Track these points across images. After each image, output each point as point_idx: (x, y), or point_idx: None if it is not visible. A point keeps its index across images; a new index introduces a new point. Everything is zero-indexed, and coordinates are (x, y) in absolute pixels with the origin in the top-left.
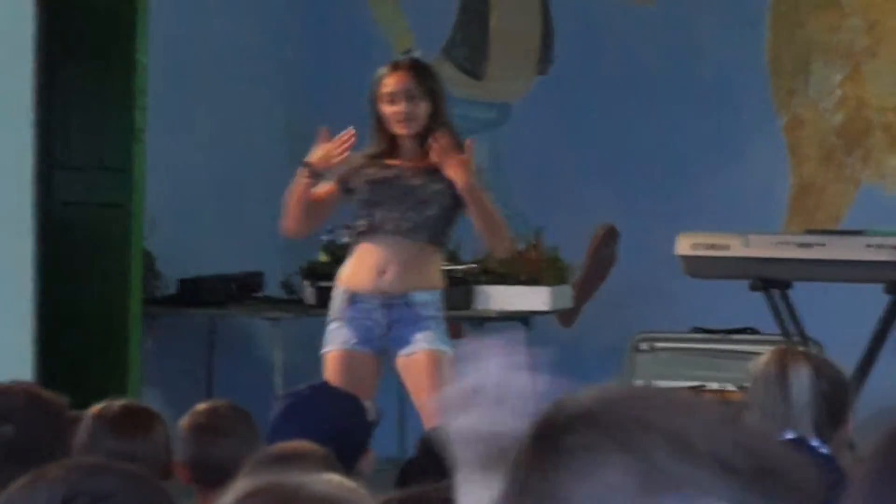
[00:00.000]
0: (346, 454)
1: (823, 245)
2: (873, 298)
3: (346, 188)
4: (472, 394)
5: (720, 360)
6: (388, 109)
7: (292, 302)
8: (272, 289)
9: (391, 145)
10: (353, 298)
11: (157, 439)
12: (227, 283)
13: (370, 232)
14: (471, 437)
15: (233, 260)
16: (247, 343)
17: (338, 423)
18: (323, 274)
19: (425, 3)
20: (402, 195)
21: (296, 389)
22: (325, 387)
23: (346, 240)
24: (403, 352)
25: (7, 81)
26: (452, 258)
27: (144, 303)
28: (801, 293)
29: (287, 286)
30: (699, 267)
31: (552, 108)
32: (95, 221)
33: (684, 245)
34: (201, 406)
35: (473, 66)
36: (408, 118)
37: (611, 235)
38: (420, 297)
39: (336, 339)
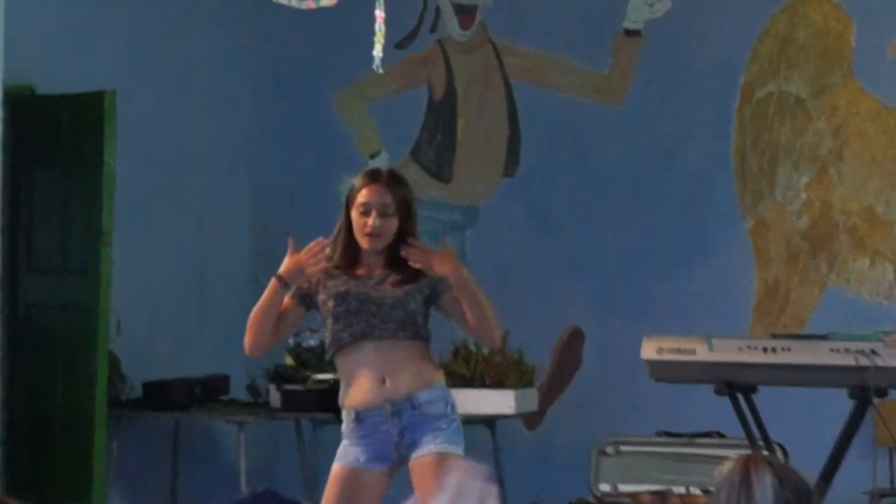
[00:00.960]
0: None
1: (788, 350)
2: (838, 402)
3: (306, 302)
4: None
5: (686, 463)
6: (357, 219)
7: (258, 405)
8: (238, 392)
9: (354, 254)
10: (359, 417)
11: None
12: (192, 386)
13: (357, 341)
14: None
15: (198, 363)
16: (212, 446)
17: None
18: (289, 377)
19: (394, 105)
20: (378, 301)
21: (241, 496)
22: (268, 493)
23: (311, 343)
24: (413, 455)
25: None
26: None
27: (109, 405)
28: (767, 397)
29: (253, 389)
30: (665, 371)
31: (519, 210)
32: (61, 324)
33: (650, 349)
34: None
35: (440, 169)
36: (375, 233)
37: (576, 338)
38: (425, 395)
39: (344, 456)
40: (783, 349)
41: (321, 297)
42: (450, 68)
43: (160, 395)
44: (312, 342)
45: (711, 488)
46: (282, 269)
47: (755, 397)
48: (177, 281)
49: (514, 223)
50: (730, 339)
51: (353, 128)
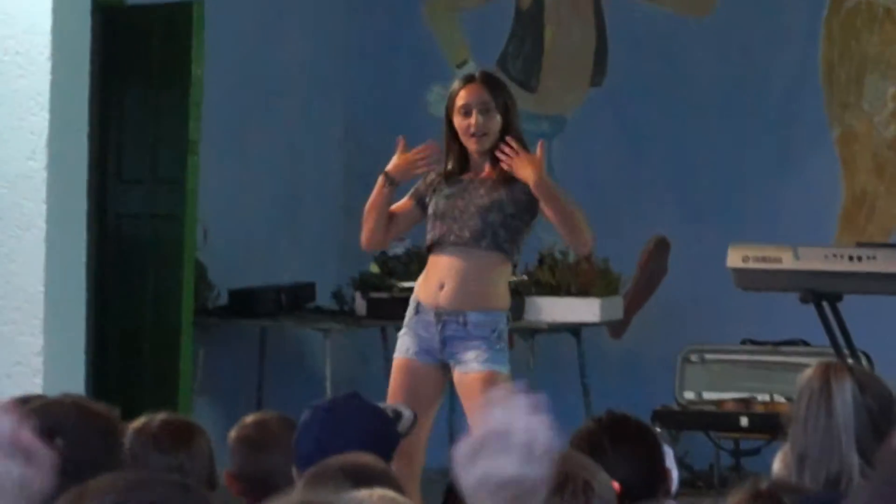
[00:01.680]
0: None
1: (874, 258)
2: None
3: (422, 204)
4: (490, 440)
5: (770, 371)
6: (460, 122)
7: (343, 313)
8: (324, 300)
9: (463, 161)
10: (418, 308)
11: (199, 451)
12: (279, 293)
13: (436, 245)
14: (492, 483)
15: (285, 271)
16: (298, 354)
17: (361, 435)
18: (374, 285)
19: (481, 16)
20: (466, 205)
21: (320, 401)
22: (352, 397)
23: (398, 251)
24: (458, 369)
25: (63, 95)
26: None
27: (196, 313)
28: (852, 306)
29: (338, 297)
30: (750, 279)
31: (606, 121)
32: (149, 233)
33: (735, 257)
34: (250, 418)
35: (527, 79)
36: (480, 132)
37: (662, 247)
38: (475, 317)
39: (400, 347)
40: (869, 258)
41: (432, 200)
42: None
43: (247, 303)
44: (398, 250)
45: (795, 396)
46: (389, 165)
47: (840, 306)
48: (267, 191)
49: (602, 133)
50: (815, 247)
51: (443, 38)
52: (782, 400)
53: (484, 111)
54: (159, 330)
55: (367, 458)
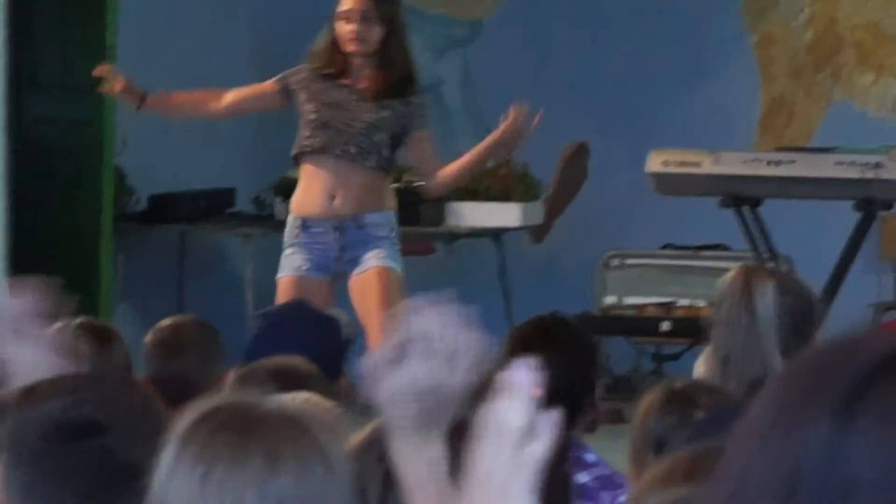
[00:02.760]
0: (327, 373)
1: (794, 162)
2: (843, 215)
3: (286, 94)
4: (405, 348)
5: (691, 276)
6: (341, 28)
7: (263, 218)
8: (244, 205)
9: (343, 65)
10: (305, 224)
11: (115, 354)
12: (198, 199)
13: (317, 153)
14: (408, 393)
15: (204, 176)
16: (218, 259)
17: (315, 344)
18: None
19: None
20: (351, 119)
21: (272, 308)
22: (302, 306)
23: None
24: (355, 272)
25: None
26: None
27: (115, 219)
28: (772, 210)
29: (258, 202)
30: (670, 184)
31: (523, 26)
32: (67, 139)
33: (655, 162)
34: (165, 322)
35: None
36: (359, 38)
37: (582, 151)
38: (372, 218)
39: (289, 266)
40: (788, 162)
41: (302, 96)
42: None
43: (166, 208)
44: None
45: (716, 300)
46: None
47: (760, 210)
48: None
49: (519, 38)
50: (735, 152)
51: None
52: (703, 304)
53: (364, 19)
54: (78, 237)
55: (296, 361)
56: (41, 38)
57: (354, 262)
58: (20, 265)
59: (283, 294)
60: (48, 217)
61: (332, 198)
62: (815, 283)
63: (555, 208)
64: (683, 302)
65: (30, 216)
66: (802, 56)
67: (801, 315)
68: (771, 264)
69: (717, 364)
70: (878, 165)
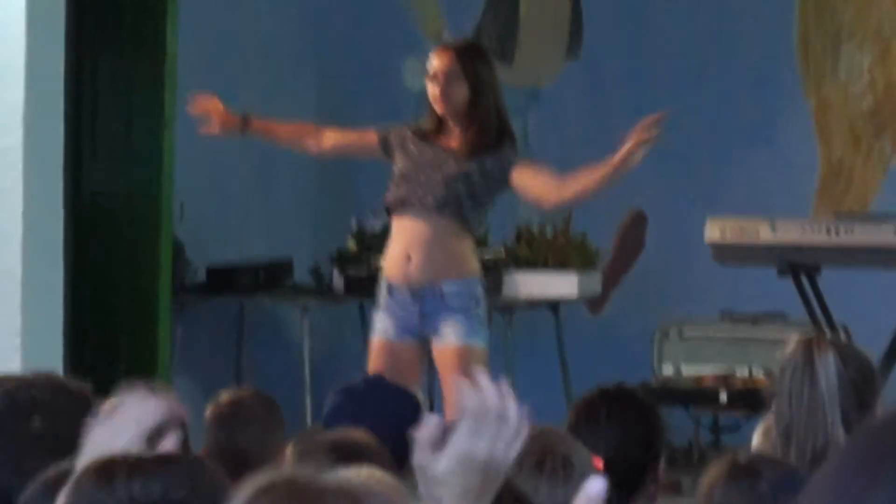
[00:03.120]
0: (401, 450)
1: (852, 230)
2: None
3: (384, 147)
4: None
5: (748, 345)
6: (430, 88)
7: (321, 290)
8: (301, 276)
9: (437, 124)
10: (390, 289)
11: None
12: (256, 270)
13: (398, 206)
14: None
15: (262, 247)
16: (276, 331)
17: (391, 419)
18: (352, 261)
19: None
20: (432, 171)
21: (351, 382)
22: (380, 380)
23: (375, 227)
24: (436, 342)
25: (38, 70)
26: (481, 244)
27: (174, 291)
28: (830, 279)
29: (316, 274)
30: (728, 253)
31: (582, 92)
32: (125, 210)
33: (713, 231)
34: (225, 395)
35: (503, 51)
36: (443, 99)
37: (639, 220)
38: (451, 287)
39: (379, 328)
40: (846, 230)
41: (398, 152)
42: None
43: (224, 280)
44: (376, 226)
45: (774, 370)
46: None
47: (819, 279)
48: (242, 165)
49: (576, 105)
50: (793, 219)
51: (419, 9)
52: (761, 374)
53: (450, 80)
54: (137, 309)
55: (357, 434)
56: (100, 108)
57: (435, 330)
58: (79, 338)
59: (372, 356)
60: (107, 289)
61: (408, 259)
62: (874, 352)
63: (612, 278)
64: (742, 372)
65: (88, 288)
66: (861, 121)
67: (862, 386)
68: (831, 334)
69: (778, 435)
70: None
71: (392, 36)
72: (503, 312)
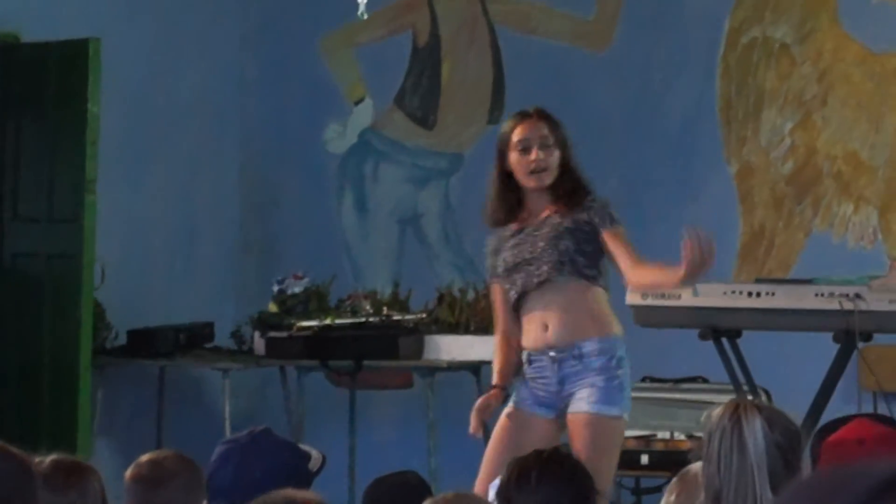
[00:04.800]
0: None
1: (773, 294)
2: (822, 347)
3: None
4: None
5: (670, 408)
6: (519, 159)
7: (242, 352)
8: (222, 339)
9: (514, 204)
10: (529, 358)
11: (91, 491)
12: (177, 333)
13: (522, 298)
14: None
15: (184, 310)
16: (196, 393)
17: (275, 471)
18: (273, 324)
19: (378, 52)
20: (531, 249)
21: (235, 435)
22: (264, 433)
23: (296, 290)
24: (570, 409)
25: None
26: (402, 308)
27: (94, 353)
28: (751, 341)
29: (237, 337)
30: (650, 316)
31: None
32: (46, 272)
33: (635, 294)
34: (145, 457)
35: (425, 116)
36: (540, 168)
37: None
38: (590, 346)
39: (515, 397)
40: (768, 293)
41: (500, 262)
42: (434, 14)
43: (145, 343)
44: (297, 289)
45: (696, 433)
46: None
47: (740, 342)
48: (164, 229)
49: None
50: (715, 283)
51: (339, 74)
52: (683, 437)
53: (544, 146)
54: (58, 371)
55: (307, 495)
56: (22, 170)
57: (571, 395)
58: (1, 399)
59: (499, 422)
60: (29, 350)
61: (546, 328)
62: (795, 414)
63: None
64: (663, 434)
65: (10, 349)
66: (782, 186)
67: (788, 448)
68: (756, 399)
69: (707, 499)
70: (857, 297)
71: (314, 101)
72: (425, 375)
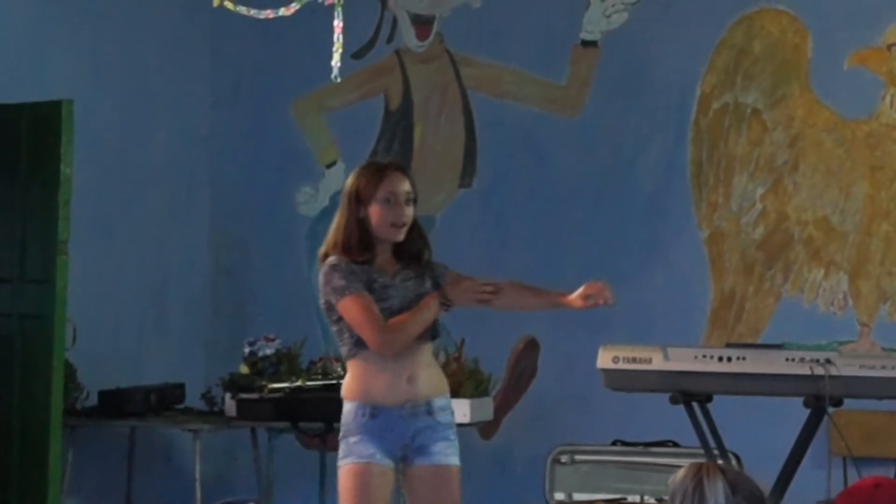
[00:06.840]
0: None
1: (743, 359)
2: (793, 412)
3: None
4: None
5: (640, 472)
6: (383, 211)
7: (213, 414)
8: (193, 401)
9: (370, 249)
10: (374, 412)
11: None
12: (148, 394)
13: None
14: None
15: (155, 372)
16: (167, 454)
17: None
18: (244, 386)
19: (350, 115)
20: (403, 298)
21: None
22: None
23: (267, 351)
24: (422, 461)
25: None
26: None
27: (65, 414)
28: (722, 406)
29: (208, 398)
30: (620, 380)
31: (476, 221)
32: (17, 332)
33: (605, 358)
34: None
35: None
36: (406, 223)
37: (531, 347)
38: (439, 402)
39: (357, 452)
40: (738, 358)
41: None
42: (406, 79)
43: (116, 404)
44: (268, 351)
45: (666, 497)
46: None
47: (710, 406)
48: (135, 291)
49: (471, 234)
50: (685, 347)
51: (311, 137)
52: (653, 501)
53: (407, 201)
54: (28, 431)
55: None
56: None
57: (422, 449)
58: None
59: (350, 481)
60: None
61: (409, 381)
62: (765, 479)
63: (504, 404)
64: (633, 498)
65: None
66: (753, 252)
67: None
68: (721, 462)
69: None
70: (827, 362)
71: (286, 163)
72: None
